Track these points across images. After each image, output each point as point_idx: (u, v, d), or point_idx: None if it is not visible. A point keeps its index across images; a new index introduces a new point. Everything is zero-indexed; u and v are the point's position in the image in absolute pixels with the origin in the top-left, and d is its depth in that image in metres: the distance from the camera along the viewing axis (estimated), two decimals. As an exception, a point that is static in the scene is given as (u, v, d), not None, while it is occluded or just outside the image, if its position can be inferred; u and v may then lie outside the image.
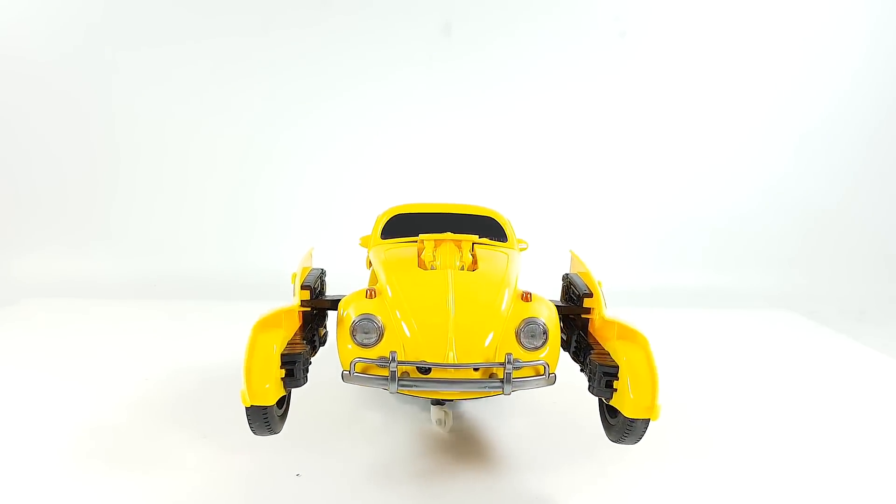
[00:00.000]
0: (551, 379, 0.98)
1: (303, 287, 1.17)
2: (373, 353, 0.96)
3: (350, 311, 1.00)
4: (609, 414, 1.05)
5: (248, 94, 2.77)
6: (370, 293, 1.03)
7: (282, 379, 0.97)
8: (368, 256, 1.37)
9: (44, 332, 1.93)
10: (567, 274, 1.33)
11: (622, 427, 0.97)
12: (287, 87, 2.79)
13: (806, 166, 3.01)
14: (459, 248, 1.20)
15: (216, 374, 1.59)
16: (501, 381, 0.93)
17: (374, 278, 1.22)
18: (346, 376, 0.96)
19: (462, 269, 1.12)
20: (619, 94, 2.90)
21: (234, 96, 2.76)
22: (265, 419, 0.98)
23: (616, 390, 0.96)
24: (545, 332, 0.98)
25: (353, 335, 0.97)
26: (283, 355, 0.98)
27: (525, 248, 1.39)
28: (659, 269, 2.87)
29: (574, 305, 1.19)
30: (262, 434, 1.01)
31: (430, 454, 1.19)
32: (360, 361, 0.96)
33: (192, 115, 2.75)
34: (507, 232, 1.37)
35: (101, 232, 2.75)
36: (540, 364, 0.96)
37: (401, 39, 2.79)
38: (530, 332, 0.98)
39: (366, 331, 0.97)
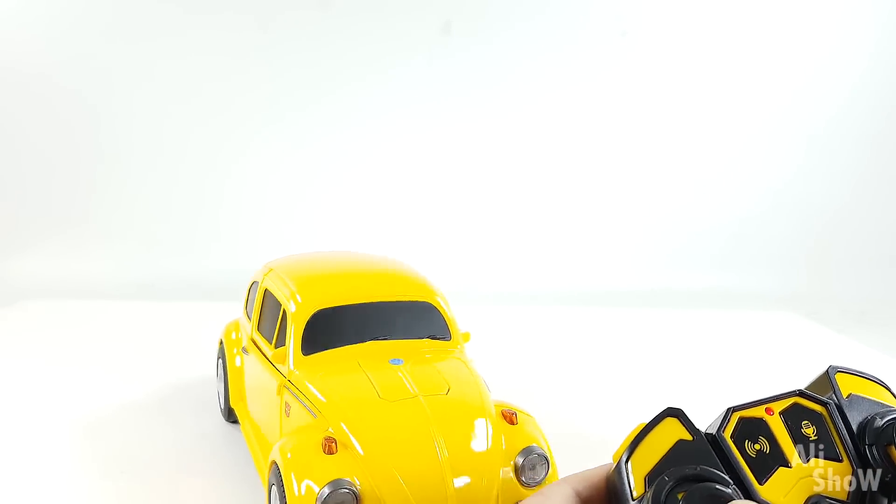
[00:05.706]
0: None
1: None
2: None
3: (311, 482, 0.77)
4: None
5: (246, 96, 2.77)
6: (328, 446, 0.81)
7: None
8: (266, 356, 1.08)
9: (43, 332, 1.93)
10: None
11: None
12: (286, 89, 2.78)
13: (808, 169, 3.01)
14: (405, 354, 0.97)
15: (212, 374, 1.59)
16: None
17: (310, 410, 0.91)
18: None
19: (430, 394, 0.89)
20: (624, 95, 2.89)
21: (233, 97, 2.76)
22: None
23: None
24: (546, 460, 0.84)
25: None
26: None
27: (468, 339, 1.08)
28: (661, 270, 2.87)
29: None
30: None
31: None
32: None
33: (192, 117, 2.75)
34: (448, 321, 1.05)
35: (101, 233, 2.75)
36: None
37: (400, 38, 2.78)
38: (531, 464, 0.83)
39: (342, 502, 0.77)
